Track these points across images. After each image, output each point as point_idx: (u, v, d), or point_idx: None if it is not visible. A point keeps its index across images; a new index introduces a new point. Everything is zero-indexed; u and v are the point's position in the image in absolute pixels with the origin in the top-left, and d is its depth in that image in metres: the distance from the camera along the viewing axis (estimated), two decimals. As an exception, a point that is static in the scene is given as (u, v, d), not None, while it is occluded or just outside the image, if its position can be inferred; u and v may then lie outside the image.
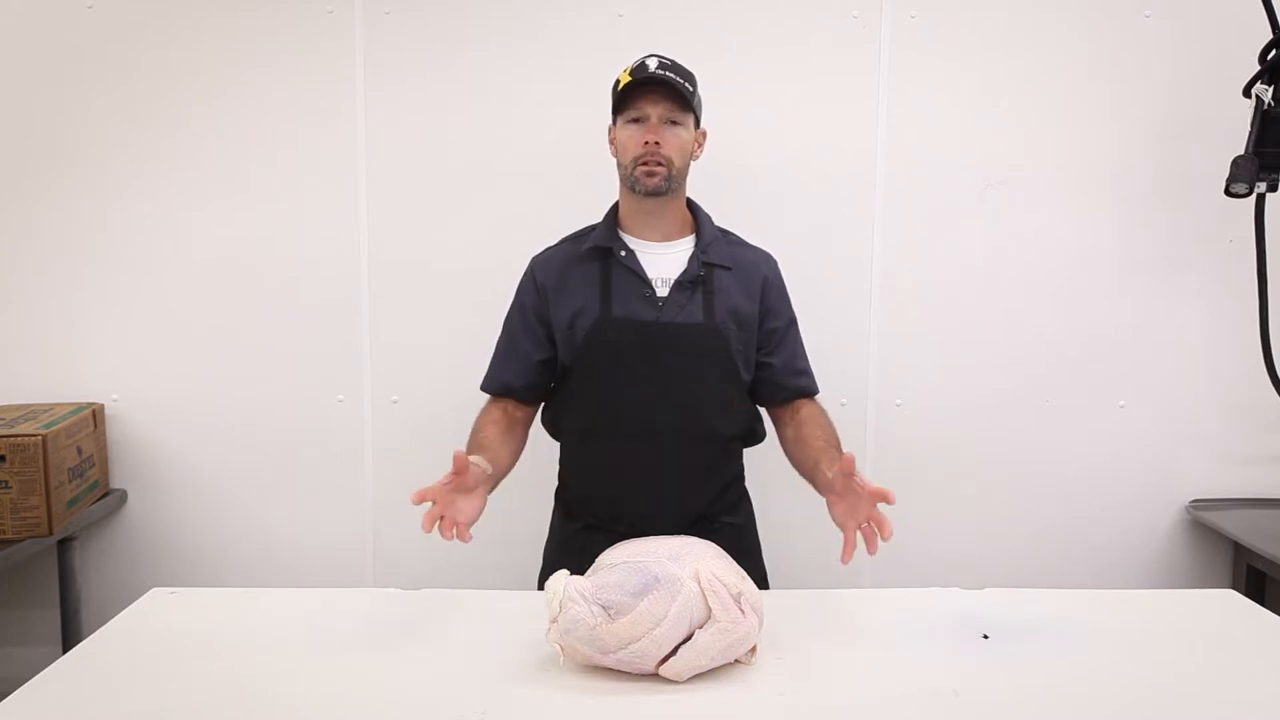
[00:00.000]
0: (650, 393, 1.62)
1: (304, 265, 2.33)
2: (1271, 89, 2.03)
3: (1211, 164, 2.16)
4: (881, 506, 1.36)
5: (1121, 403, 2.38)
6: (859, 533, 1.39)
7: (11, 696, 1.21)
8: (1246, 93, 2.07)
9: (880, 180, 2.33)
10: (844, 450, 1.55)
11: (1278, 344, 2.19)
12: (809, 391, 1.76)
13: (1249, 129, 2.06)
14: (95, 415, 2.29)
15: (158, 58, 2.28)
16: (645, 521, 1.57)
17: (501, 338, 1.77)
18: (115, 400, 2.36)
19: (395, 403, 2.36)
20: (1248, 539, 2.17)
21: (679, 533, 1.44)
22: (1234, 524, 2.26)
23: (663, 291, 1.65)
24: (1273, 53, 2.02)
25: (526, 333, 1.72)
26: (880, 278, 2.35)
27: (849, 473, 1.39)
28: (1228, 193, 2.09)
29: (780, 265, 1.82)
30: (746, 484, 1.83)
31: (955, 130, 2.31)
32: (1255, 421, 2.37)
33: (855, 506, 1.40)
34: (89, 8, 2.27)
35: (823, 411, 1.74)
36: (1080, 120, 2.31)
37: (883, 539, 1.37)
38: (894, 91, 2.30)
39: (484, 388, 1.76)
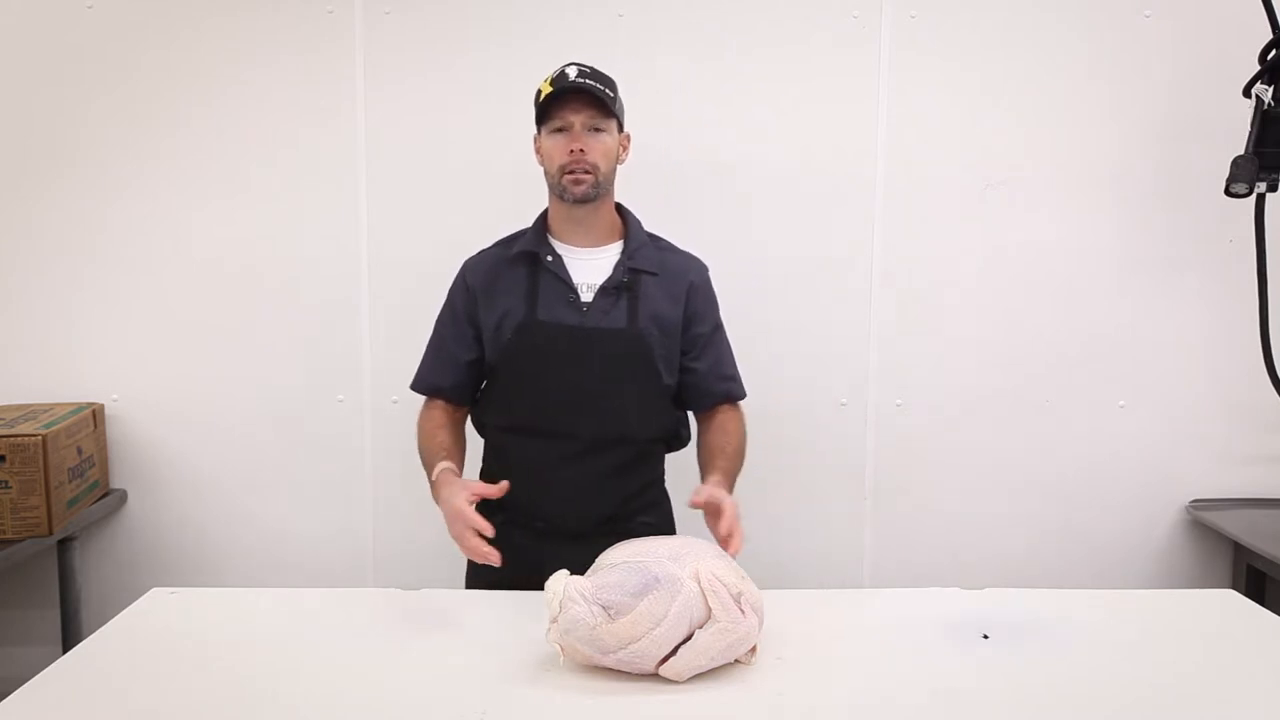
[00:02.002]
0: (571, 396, 1.65)
1: (304, 265, 2.33)
2: (1271, 89, 2.03)
3: (1211, 164, 2.16)
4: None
5: (1121, 403, 2.38)
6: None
7: (11, 696, 1.21)
8: (1246, 93, 2.07)
9: (880, 180, 2.32)
10: (736, 453, 1.71)
11: (1278, 344, 2.19)
12: (734, 396, 1.79)
13: (1249, 129, 2.06)
14: (95, 415, 2.29)
15: (158, 58, 2.28)
16: (560, 520, 1.65)
17: (432, 338, 1.80)
18: (115, 400, 2.36)
19: (395, 403, 2.36)
20: (1248, 539, 2.17)
21: (595, 532, 1.46)
22: (1234, 524, 2.26)
23: (588, 297, 1.67)
24: (1273, 53, 2.02)
25: (456, 334, 1.75)
26: (880, 278, 2.35)
27: (699, 506, 1.51)
28: (1228, 193, 2.09)
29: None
30: (667, 485, 1.84)
31: (955, 130, 2.31)
32: (1255, 421, 2.37)
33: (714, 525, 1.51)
34: (89, 8, 2.27)
35: (738, 419, 1.77)
36: (1080, 120, 2.31)
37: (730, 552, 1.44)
38: (894, 91, 2.30)
39: (414, 387, 1.80)
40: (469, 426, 1.82)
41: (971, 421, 2.38)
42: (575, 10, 2.28)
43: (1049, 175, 2.32)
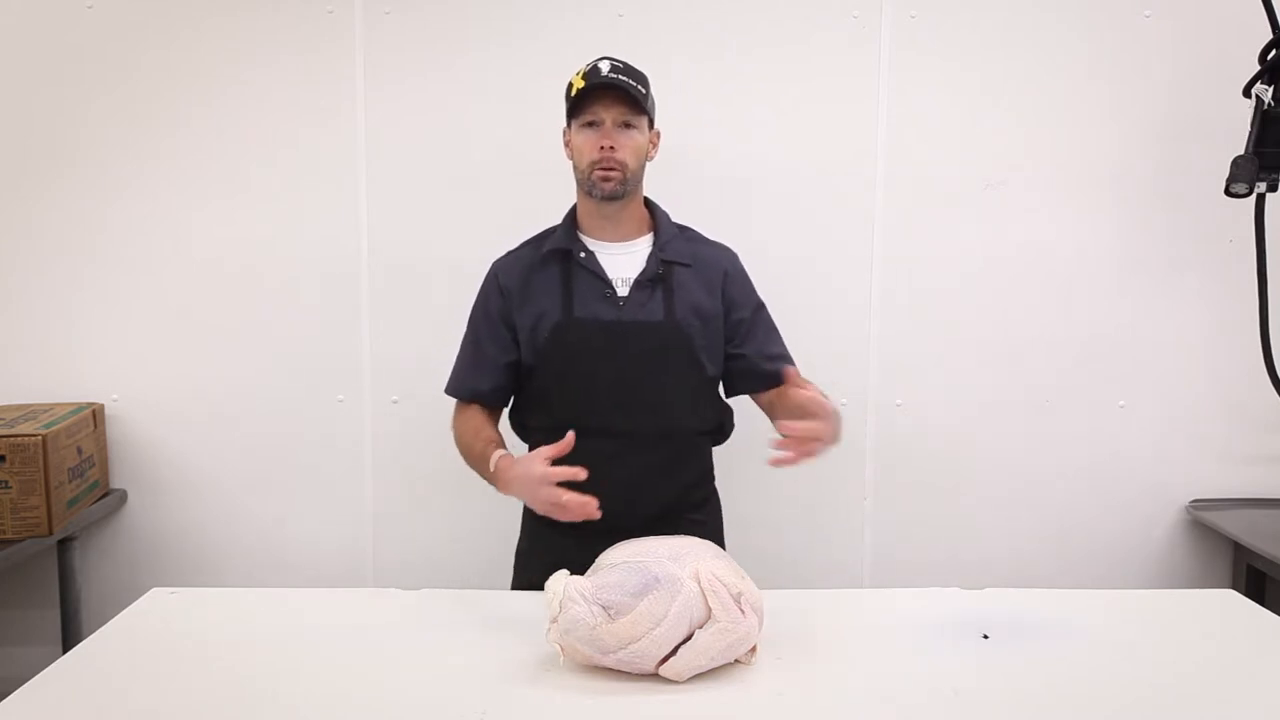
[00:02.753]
0: (614, 392, 1.64)
1: (304, 265, 2.33)
2: (1271, 89, 2.03)
3: (1211, 164, 2.16)
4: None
5: (1121, 403, 2.38)
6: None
7: (11, 696, 1.21)
8: (1246, 93, 2.07)
9: (880, 180, 2.32)
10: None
11: (1278, 344, 2.19)
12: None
13: (1249, 129, 2.06)
14: (95, 415, 2.29)
15: (158, 58, 2.28)
16: (610, 519, 1.57)
17: (467, 343, 1.78)
18: (115, 400, 2.36)
19: (395, 403, 2.36)
20: (1248, 539, 2.17)
21: (645, 530, 1.44)
22: (1234, 524, 2.26)
23: (623, 291, 1.67)
24: (1273, 53, 2.02)
25: (493, 337, 1.72)
26: (880, 278, 2.35)
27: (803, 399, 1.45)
28: (1228, 193, 2.09)
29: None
30: (716, 483, 1.83)
31: (955, 130, 2.31)
32: (1255, 421, 2.37)
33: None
34: (89, 8, 2.27)
35: None
36: (1080, 120, 2.31)
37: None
38: (894, 91, 2.30)
39: (453, 393, 1.76)
40: (508, 430, 1.80)
41: (971, 421, 2.38)
42: (575, 10, 2.28)
43: (1049, 175, 2.32)
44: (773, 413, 1.76)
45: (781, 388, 1.70)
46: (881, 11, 2.28)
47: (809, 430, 1.39)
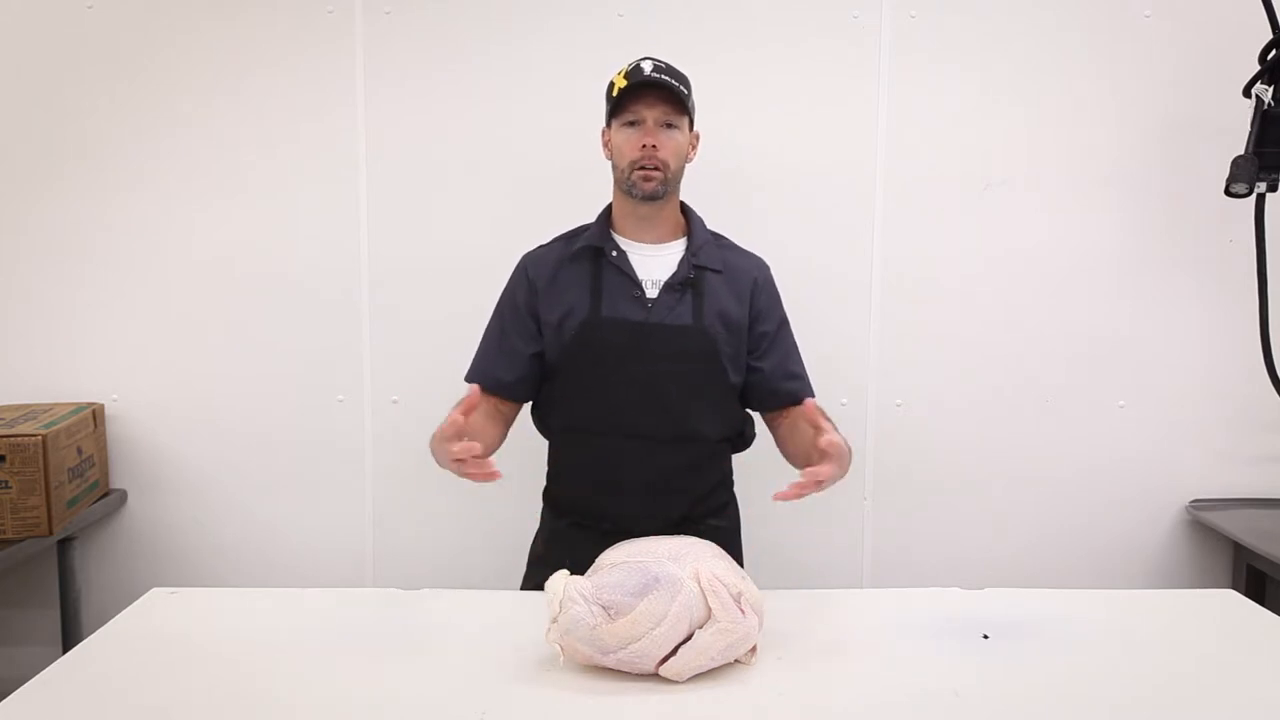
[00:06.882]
0: (637, 393, 1.62)
1: (304, 265, 2.33)
2: (1271, 89, 2.03)
3: (1211, 164, 2.16)
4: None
5: (1121, 403, 2.38)
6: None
7: (11, 696, 1.21)
8: (1246, 93, 2.07)
9: (880, 180, 2.32)
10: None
11: (1278, 344, 2.19)
12: (802, 397, 1.72)
13: (1249, 129, 2.06)
14: (95, 415, 2.29)
15: (158, 58, 2.28)
16: (629, 521, 1.58)
17: (490, 333, 1.75)
18: (115, 400, 2.36)
19: (395, 403, 2.36)
20: (1248, 539, 2.17)
21: (664, 534, 1.44)
22: (1234, 524, 2.26)
23: (652, 293, 1.66)
24: (1273, 53, 2.02)
25: (518, 327, 1.70)
26: (880, 278, 2.35)
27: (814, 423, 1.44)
28: (1228, 193, 2.09)
29: (781, 266, 1.82)
30: (735, 489, 1.82)
31: (955, 130, 2.31)
32: (1255, 421, 2.37)
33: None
34: (89, 8, 2.27)
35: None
36: (1080, 120, 2.31)
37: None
38: (894, 92, 2.30)
39: (473, 380, 1.71)
40: (531, 431, 1.78)
41: (971, 421, 2.38)
42: (575, 10, 2.28)
43: (1049, 175, 2.32)
44: (778, 433, 1.75)
45: (793, 415, 1.69)
46: (881, 12, 2.28)
47: (818, 475, 1.39)
